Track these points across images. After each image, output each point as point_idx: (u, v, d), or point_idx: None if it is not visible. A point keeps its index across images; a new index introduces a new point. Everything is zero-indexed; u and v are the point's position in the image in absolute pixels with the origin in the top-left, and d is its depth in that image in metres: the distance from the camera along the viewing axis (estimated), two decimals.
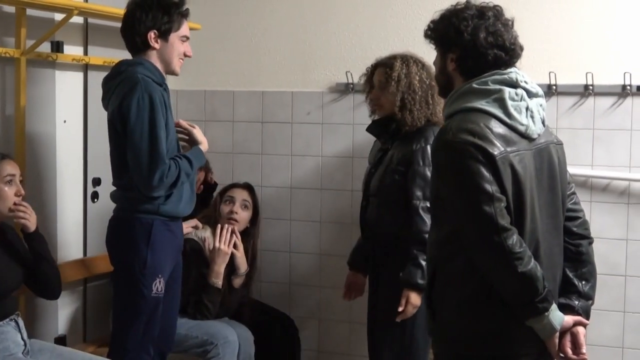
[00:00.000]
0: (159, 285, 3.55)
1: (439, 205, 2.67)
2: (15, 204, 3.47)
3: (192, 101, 5.04)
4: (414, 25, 4.45)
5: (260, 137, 4.94)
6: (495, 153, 2.46)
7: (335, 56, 4.75)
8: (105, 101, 3.56)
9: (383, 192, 3.79)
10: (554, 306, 2.53)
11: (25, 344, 3.50)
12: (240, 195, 4.38)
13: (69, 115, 4.18)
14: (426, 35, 2.75)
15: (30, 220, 3.52)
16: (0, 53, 3.80)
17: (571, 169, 4.29)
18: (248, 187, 4.46)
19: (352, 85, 4.65)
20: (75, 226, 4.31)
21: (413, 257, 3.62)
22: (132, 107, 3.38)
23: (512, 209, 2.49)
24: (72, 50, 4.25)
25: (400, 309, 3.64)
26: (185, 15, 3.58)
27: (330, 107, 4.78)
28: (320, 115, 4.80)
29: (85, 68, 4.32)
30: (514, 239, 2.45)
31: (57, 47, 4.10)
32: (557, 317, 2.54)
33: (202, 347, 4.10)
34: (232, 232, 4.28)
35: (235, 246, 4.28)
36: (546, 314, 2.50)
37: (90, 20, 4.34)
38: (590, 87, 4.27)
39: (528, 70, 4.28)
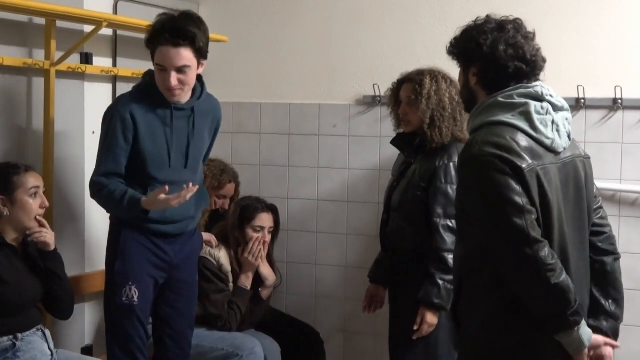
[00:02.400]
0: (129, 293, 3.56)
1: (464, 219, 2.66)
2: (35, 218, 3.49)
3: None
4: (441, 39, 4.38)
5: (287, 149, 4.94)
6: (524, 166, 2.44)
7: (362, 69, 4.75)
8: None
9: (404, 207, 3.77)
10: (584, 322, 2.51)
11: (52, 354, 3.52)
12: (268, 222, 4.39)
13: (97, 126, 4.19)
14: (449, 52, 2.75)
15: (50, 239, 3.54)
16: (31, 64, 3.84)
17: (599, 183, 4.27)
18: (273, 211, 4.46)
19: (379, 98, 4.65)
20: (103, 236, 4.31)
21: (430, 275, 3.61)
22: (103, 117, 3.58)
23: (541, 222, 2.48)
24: (101, 62, 4.28)
25: (415, 328, 3.63)
26: (159, 42, 3.42)
27: (357, 119, 4.78)
28: (347, 127, 4.80)
29: (114, 79, 4.35)
30: (546, 250, 2.43)
31: (87, 58, 4.13)
32: (586, 333, 2.51)
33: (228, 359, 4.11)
34: (262, 244, 4.35)
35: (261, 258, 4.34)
36: (576, 328, 2.47)
37: (119, 32, 4.38)
38: (619, 101, 4.24)
39: (556, 84, 4.26)
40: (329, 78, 4.84)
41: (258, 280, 4.36)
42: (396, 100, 3.91)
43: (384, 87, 4.46)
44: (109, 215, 3.71)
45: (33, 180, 3.47)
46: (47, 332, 3.57)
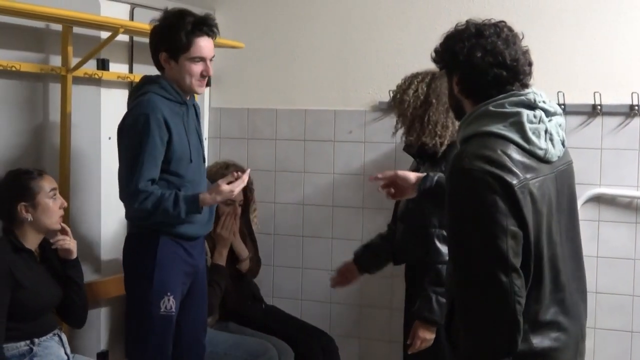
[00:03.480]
0: (167, 303, 3.53)
1: (452, 233, 2.51)
2: (60, 225, 3.51)
3: (235, 119, 5.06)
4: None
5: (302, 155, 4.95)
6: (514, 182, 2.32)
7: (378, 75, 4.75)
8: None
9: (407, 217, 3.69)
10: None
11: (68, 359, 3.53)
12: (239, 196, 4.27)
13: (114, 132, 4.20)
14: (433, 61, 2.67)
15: (73, 246, 3.56)
16: (47, 70, 3.86)
17: (616, 190, 4.29)
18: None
19: None
20: (119, 242, 4.32)
21: (424, 289, 3.53)
22: (126, 124, 3.48)
23: (533, 238, 2.37)
24: (118, 68, 4.30)
25: (408, 342, 3.59)
26: (196, 35, 3.50)
27: (373, 125, 4.78)
28: (363, 133, 4.80)
29: (130, 85, 4.36)
30: (520, 282, 2.32)
31: (103, 64, 4.15)
32: None
33: None
34: (234, 218, 4.35)
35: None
36: None
37: (135, 38, 4.40)
38: (636, 107, 4.22)
39: (573, 91, 4.28)
40: (345, 84, 4.84)
41: (234, 258, 4.39)
42: None
43: None
44: (128, 224, 3.68)
45: (49, 184, 3.51)
46: (64, 337, 3.59)
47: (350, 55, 4.82)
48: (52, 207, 3.48)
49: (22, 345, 3.40)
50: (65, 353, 3.55)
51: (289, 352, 4.31)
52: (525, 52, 2.53)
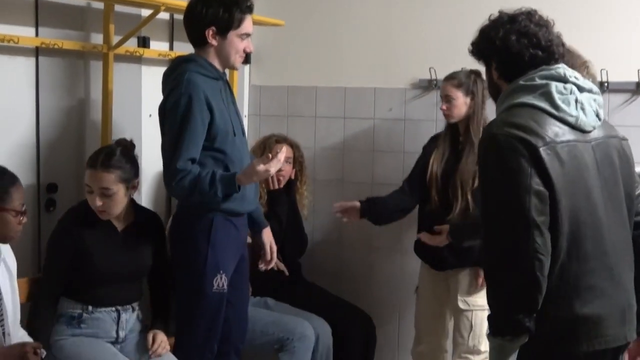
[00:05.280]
0: (220, 282, 3.51)
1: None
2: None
3: (275, 97, 5.06)
4: None
5: (342, 133, 4.94)
6: (539, 144, 2.44)
7: (418, 52, 4.72)
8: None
9: None
10: (522, 339, 2.48)
11: (117, 338, 3.59)
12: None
13: (154, 109, 4.22)
14: (471, 54, 2.79)
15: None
16: (89, 48, 3.88)
17: None
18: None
19: (435, 82, 4.61)
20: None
21: None
22: (167, 105, 3.41)
23: (562, 198, 2.44)
24: (158, 46, 4.32)
25: None
26: (247, 12, 3.50)
27: (413, 103, 4.75)
28: (403, 111, 4.78)
29: None
30: (542, 240, 2.40)
31: (144, 42, 4.17)
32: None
33: (278, 344, 4.14)
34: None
35: None
36: (523, 337, 2.45)
37: (176, 16, 4.41)
38: None
39: (616, 69, 4.23)
40: (385, 62, 4.82)
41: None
42: None
43: (440, 71, 4.44)
44: (178, 203, 3.67)
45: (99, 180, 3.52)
46: (125, 317, 3.60)
47: (391, 33, 4.79)
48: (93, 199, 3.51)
49: (77, 308, 3.50)
50: (117, 332, 3.58)
51: (327, 330, 4.31)
52: (558, 35, 2.67)
